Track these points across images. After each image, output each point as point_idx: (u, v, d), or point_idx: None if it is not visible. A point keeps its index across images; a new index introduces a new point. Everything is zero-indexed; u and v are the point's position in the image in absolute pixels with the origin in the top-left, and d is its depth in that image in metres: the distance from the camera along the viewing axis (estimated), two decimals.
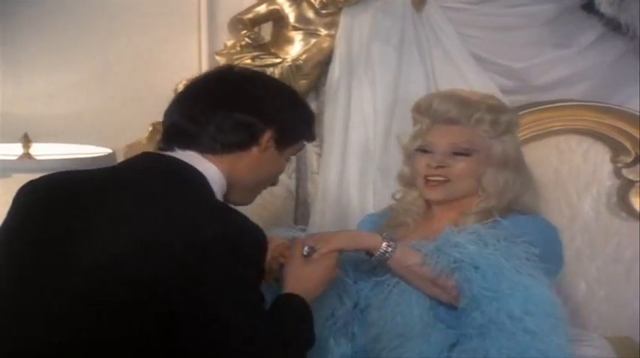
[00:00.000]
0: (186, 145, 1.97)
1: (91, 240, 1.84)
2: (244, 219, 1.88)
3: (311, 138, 2.17)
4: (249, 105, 1.98)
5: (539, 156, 3.17)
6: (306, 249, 2.14)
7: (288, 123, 2.03)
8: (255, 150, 1.99)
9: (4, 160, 2.92)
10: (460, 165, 2.43)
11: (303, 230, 2.59)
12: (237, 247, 1.81)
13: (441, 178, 2.44)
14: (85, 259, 1.82)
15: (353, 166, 3.14)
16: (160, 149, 2.02)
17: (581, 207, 3.24)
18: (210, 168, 1.95)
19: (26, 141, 2.94)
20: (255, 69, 2.08)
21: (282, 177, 3.27)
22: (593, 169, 3.24)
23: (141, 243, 1.79)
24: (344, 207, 3.12)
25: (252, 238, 1.86)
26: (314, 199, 3.23)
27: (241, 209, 3.37)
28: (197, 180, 1.93)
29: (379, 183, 3.07)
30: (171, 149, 1.98)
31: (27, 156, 2.93)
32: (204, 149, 1.96)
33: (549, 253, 2.34)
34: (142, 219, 1.83)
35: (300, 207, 3.31)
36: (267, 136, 1.99)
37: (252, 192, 2.09)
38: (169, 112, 2.03)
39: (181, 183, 1.91)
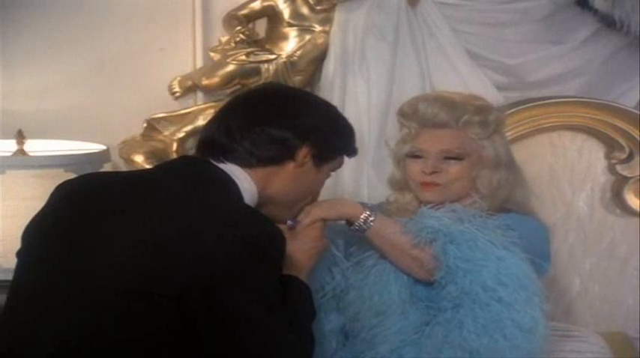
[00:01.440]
0: (223, 158, 1.99)
1: (122, 237, 1.85)
2: (271, 223, 1.91)
3: (352, 152, 2.19)
4: (285, 122, 2.02)
5: (533, 153, 3.18)
6: (289, 222, 2.15)
7: (325, 140, 2.06)
8: (291, 165, 2.02)
9: None
10: (453, 169, 2.43)
11: None
12: (264, 250, 1.84)
13: (435, 183, 2.43)
14: (115, 255, 1.84)
15: (347, 162, 3.12)
16: None
17: (575, 204, 3.24)
18: (243, 178, 1.98)
19: (20, 137, 2.93)
20: (297, 87, 2.11)
21: None
22: (587, 165, 3.24)
23: (170, 238, 1.81)
24: None
25: (278, 243, 1.89)
26: None
27: None
28: (229, 184, 1.96)
29: (374, 178, 3.07)
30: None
31: (21, 152, 2.93)
32: (240, 163, 1.99)
33: (535, 249, 2.35)
34: (173, 216, 1.85)
35: None
36: (303, 152, 2.02)
37: (290, 208, 2.12)
38: (208, 126, 2.07)
39: (213, 185, 1.94)
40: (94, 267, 1.85)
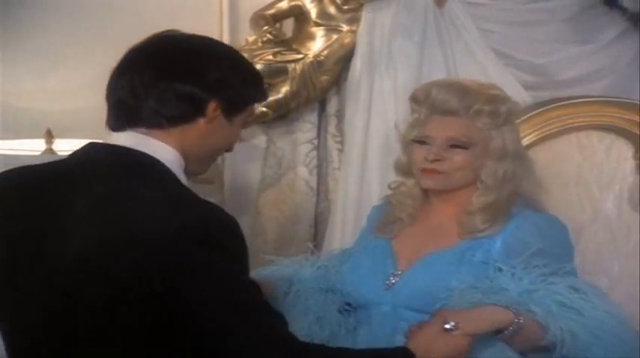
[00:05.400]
0: (133, 122, 1.85)
1: (59, 240, 1.78)
2: (211, 207, 1.79)
3: (262, 98, 2.04)
4: (190, 75, 1.86)
5: (561, 153, 3.16)
6: (452, 324, 2.07)
7: (234, 92, 1.90)
8: (201, 121, 1.87)
9: (27, 156, 2.94)
10: (456, 157, 2.37)
11: (313, 251, 2.60)
12: (205, 235, 1.73)
13: (437, 170, 2.38)
14: (55, 259, 1.77)
15: (374, 162, 3.14)
16: (111, 128, 1.89)
17: (603, 204, 3.22)
18: (162, 149, 1.85)
19: (49, 136, 2.95)
20: (200, 35, 1.98)
21: (303, 173, 3.30)
22: (615, 166, 3.22)
23: (108, 241, 1.73)
24: (365, 202, 3.12)
25: (221, 225, 1.76)
26: (335, 195, 3.23)
27: (262, 202, 3.39)
28: (155, 168, 1.84)
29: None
30: (121, 127, 1.87)
31: (50, 151, 2.95)
32: (149, 125, 1.85)
33: (567, 255, 2.34)
34: (108, 216, 1.76)
35: (321, 203, 3.31)
36: (212, 107, 1.87)
37: (205, 161, 1.96)
38: (112, 86, 1.90)
39: (140, 175, 1.81)
40: (36, 273, 1.79)
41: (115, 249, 1.72)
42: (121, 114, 1.87)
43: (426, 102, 2.43)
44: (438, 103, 2.41)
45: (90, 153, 1.89)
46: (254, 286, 1.82)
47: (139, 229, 1.72)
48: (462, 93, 2.41)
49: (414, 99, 2.48)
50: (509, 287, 2.21)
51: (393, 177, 3.06)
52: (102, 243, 1.73)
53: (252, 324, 1.76)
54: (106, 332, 1.75)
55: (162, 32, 1.94)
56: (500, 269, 2.25)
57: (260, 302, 1.81)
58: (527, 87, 3.19)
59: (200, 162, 1.93)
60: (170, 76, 1.85)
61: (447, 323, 2.06)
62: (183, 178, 1.88)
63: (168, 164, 1.84)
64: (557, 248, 2.32)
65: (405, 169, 2.50)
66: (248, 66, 1.98)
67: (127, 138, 1.85)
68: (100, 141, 1.90)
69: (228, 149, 2.01)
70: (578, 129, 3.20)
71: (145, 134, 1.85)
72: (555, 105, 3.16)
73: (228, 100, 1.89)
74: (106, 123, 1.91)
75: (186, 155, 1.88)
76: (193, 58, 1.89)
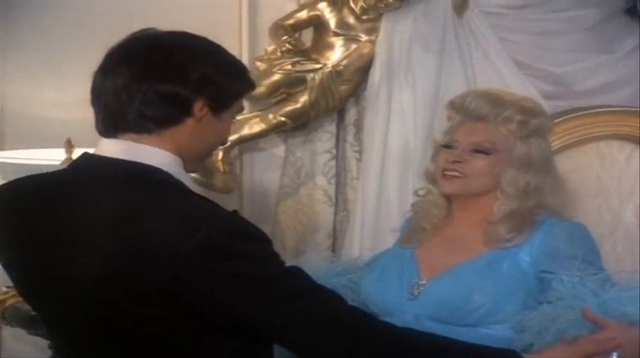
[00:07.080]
0: (122, 128, 1.82)
1: (71, 252, 1.78)
2: (219, 214, 1.77)
3: (249, 90, 1.96)
4: (172, 74, 1.81)
5: (580, 162, 3.15)
6: (618, 354, 1.96)
7: (218, 88, 1.85)
8: (190, 121, 1.83)
9: (47, 165, 2.94)
10: (478, 162, 2.40)
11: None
12: (221, 247, 1.71)
13: (457, 173, 2.40)
14: (70, 270, 1.77)
15: (393, 172, 3.13)
16: (100, 133, 1.87)
17: (623, 214, 3.20)
18: (158, 155, 1.81)
19: (69, 146, 2.96)
20: (181, 31, 1.92)
21: (322, 182, 3.30)
22: (635, 175, 3.20)
23: (129, 258, 1.72)
24: (383, 212, 3.11)
25: (233, 232, 1.75)
26: (353, 205, 3.23)
27: (281, 211, 3.38)
28: (156, 179, 1.80)
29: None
30: (111, 134, 1.84)
31: (70, 161, 2.95)
32: (138, 130, 1.81)
33: (599, 260, 2.35)
34: (121, 233, 1.73)
35: (340, 213, 3.31)
36: (198, 106, 1.83)
37: (202, 159, 1.94)
38: (96, 90, 1.86)
39: (144, 189, 1.78)
40: (56, 285, 1.80)
41: (136, 266, 1.71)
42: (108, 120, 1.83)
43: (461, 108, 2.48)
44: (471, 109, 2.45)
45: (86, 166, 1.87)
46: (293, 274, 1.81)
47: (155, 248, 1.70)
48: (495, 101, 2.45)
49: (452, 105, 2.53)
50: (586, 298, 2.15)
51: (411, 186, 3.07)
52: (122, 260, 1.72)
53: (297, 310, 1.76)
54: (135, 343, 1.76)
55: (140, 31, 1.92)
56: (561, 280, 2.21)
57: (300, 287, 1.79)
58: (548, 97, 3.17)
59: (197, 160, 1.91)
60: (151, 77, 1.80)
61: (615, 352, 1.97)
62: (187, 179, 1.85)
63: (167, 169, 1.81)
64: (589, 254, 2.32)
65: (432, 177, 2.52)
66: (231, 59, 1.92)
67: (119, 148, 1.82)
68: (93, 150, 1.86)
69: (223, 143, 1.99)
70: (598, 138, 3.19)
71: (136, 140, 1.82)
72: (574, 114, 3.16)
73: (214, 98, 1.84)
74: (95, 128, 1.88)
75: (181, 155, 1.84)
76: (173, 56, 1.84)
